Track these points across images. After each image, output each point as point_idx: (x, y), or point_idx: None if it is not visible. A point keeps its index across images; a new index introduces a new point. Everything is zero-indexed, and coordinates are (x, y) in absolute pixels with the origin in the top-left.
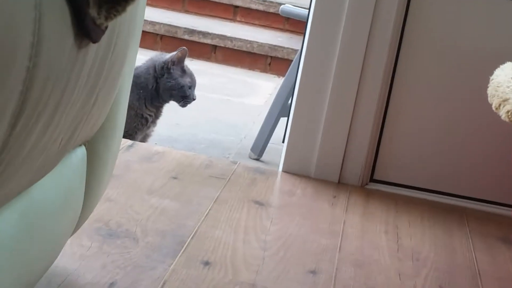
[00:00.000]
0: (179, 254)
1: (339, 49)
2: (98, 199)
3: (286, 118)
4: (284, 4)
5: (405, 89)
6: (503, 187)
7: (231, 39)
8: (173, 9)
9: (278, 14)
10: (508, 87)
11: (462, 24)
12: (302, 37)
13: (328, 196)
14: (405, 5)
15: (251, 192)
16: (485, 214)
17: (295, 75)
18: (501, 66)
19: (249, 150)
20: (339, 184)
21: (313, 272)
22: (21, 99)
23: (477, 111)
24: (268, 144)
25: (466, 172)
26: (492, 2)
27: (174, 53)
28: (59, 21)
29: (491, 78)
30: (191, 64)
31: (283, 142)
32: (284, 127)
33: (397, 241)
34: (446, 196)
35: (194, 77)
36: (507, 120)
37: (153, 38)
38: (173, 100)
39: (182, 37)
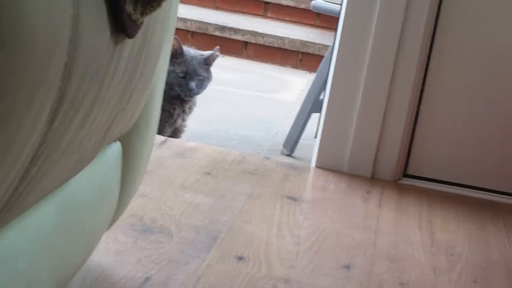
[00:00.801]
0: (213, 249)
1: (371, 44)
2: (133, 194)
3: (317, 114)
4: None
5: (439, 83)
6: None
7: (262, 35)
8: (204, 6)
9: (309, 10)
10: None
11: (497, 18)
12: (333, 33)
13: (361, 191)
14: (438, 0)
15: (284, 187)
16: None
17: (326, 71)
18: None
19: (281, 146)
20: (372, 179)
21: (347, 266)
22: (59, 94)
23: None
24: (300, 140)
25: (501, 166)
26: None
27: None
28: (96, 16)
29: None
30: (222, 60)
31: (315, 137)
32: (316, 123)
33: (431, 236)
34: (480, 191)
35: (195, 67)
36: None
37: (184, 35)
38: (177, 92)
39: (213, 33)
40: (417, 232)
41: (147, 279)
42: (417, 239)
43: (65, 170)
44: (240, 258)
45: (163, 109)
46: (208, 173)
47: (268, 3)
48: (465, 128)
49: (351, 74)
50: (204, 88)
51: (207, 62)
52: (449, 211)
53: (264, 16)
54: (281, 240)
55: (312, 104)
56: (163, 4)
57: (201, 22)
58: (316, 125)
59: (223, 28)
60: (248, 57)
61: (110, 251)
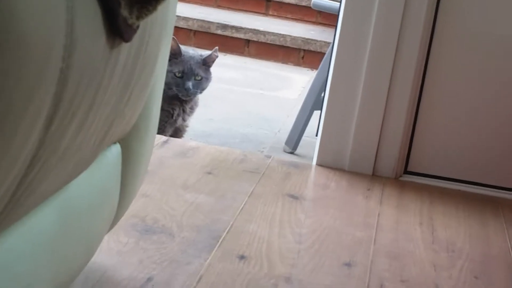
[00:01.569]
0: (215, 249)
1: (370, 41)
2: (133, 196)
3: (319, 111)
4: None
5: (438, 80)
6: None
7: (264, 33)
8: (206, 4)
9: (310, 7)
10: None
11: (495, 13)
12: (334, 30)
13: (362, 189)
14: None
15: (285, 186)
16: None
17: (327, 68)
18: None
19: (284, 144)
20: (373, 176)
21: (348, 264)
22: (55, 100)
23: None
24: (302, 138)
25: (501, 162)
26: None
27: None
28: (92, 22)
29: None
30: (224, 59)
31: (316, 135)
32: (318, 120)
33: (432, 232)
34: (481, 187)
35: (193, 67)
36: None
37: (186, 33)
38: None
39: (215, 32)
40: (418, 229)
41: (149, 279)
42: (418, 235)
43: (64, 174)
44: (242, 257)
45: (163, 109)
46: (209, 173)
47: (270, 1)
48: (465, 124)
49: (351, 72)
50: (203, 89)
51: (206, 63)
52: (450, 207)
53: (265, 14)
54: (282, 239)
55: (314, 102)
56: (159, 8)
57: (203, 20)
58: (317, 122)
59: (225, 26)
60: (250, 55)
61: (112, 252)
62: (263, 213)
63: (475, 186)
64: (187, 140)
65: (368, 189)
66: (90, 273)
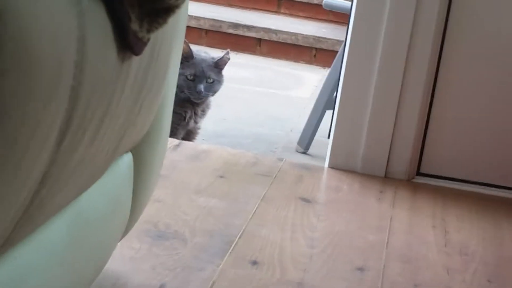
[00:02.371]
0: (227, 254)
1: (382, 41)
2: (145, 203)
3: (331, 111)
4: None
5: (451, 80)
6: None
7: (275, 31)
8: (217, 3)
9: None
10: None
11: (509, 11)
12: (346, 28)
13: (374, 191)
14: None
15: (297, 189)
16: None
17: (339, 67)
18: None
19: (296, 144)
20: (385, 178)
21: (361, 269)
22: (67, 116)
23: None
24: (315, 137)
25: None
26: None
27: None
28: (102, 37)
29: None
30: (236, 58)
31: (328, 137)
32: (330, 121)
33: (445, 235)
34: (494, 188)
35: (205, 70)
36: None
37: (198, 33)
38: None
39: (226, 31)
40: (431, 232)
41: (162, 286)
42: (431, 239)
43: (76, 187)
44: (254, 263)
45: (175, 112)
46: (221, 176)
47: None
48: (478, 125)
49: (363, 73)
50: (215, 91)
51: (218, 65)
52: (463, 209)
53: (277, 12)
54: (295, 243)
55: (326, 101)
56: (169, 20)
57: (214, 20)
58: (330, 123)
59: (236, 25)
60: (262, 54)
61: (124, 258)
62: (275, 217)
63: (489, 188)
64: (199, 143)
65: (381, 192)
66: (103, 280)
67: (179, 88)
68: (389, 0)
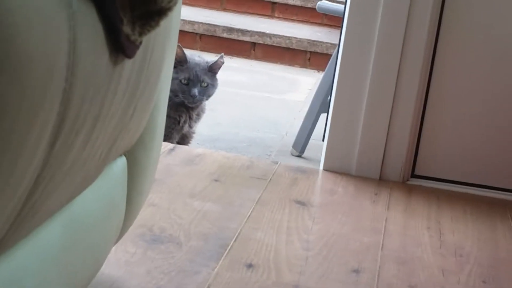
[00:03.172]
0: (223, 258)
1: (376, 44)
2: (140, 207)
3: (326, 114)
4: None
5: (444, 82)
6: None
7: (270, 35)
8: (211, 8)
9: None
10: None
11: (502, 10)
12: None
13: (369, 193)
14: None
15: (292, 192)
16: None
17: (334, 70)
18: None
19: (291, 147)
20: (380, 180)
21: (356, 271)
22: (59, 119)
23: None
24: (310, 141)
25: (509, 165)
26: None
27: None
28: (94, 40)
29: None
30: (230, 62)
31: (323, 140)
32: (324, 124)
33: (440, 237)
34: (488, 190)
35: (199, 74)
36: None
37: (192, 37)
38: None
39: (221, 35)
40: (426, 233)
41: None
42: (426, 240)
43: (70, 190)
44: (250, 266)
45: (169, 116)
46: (216, 180)
47: (275, 3)
48: (472, 127)
49: (357, 76)
50: (209, 96)
51: (212, 69)
52: (458, 210)
53: (271, 16)
54: (290, 246)
55: (321, 105)
56: (162, 23)
57: (208, 24)
58: (324, 126)
59: (231, 29)
60: (257, 58)
61: (120, 262)
62: (270, 220)
63: (483, 189)
64: (194, 147)
65: (376, 194)
66: (98, 284)
67: (173, 92)
68: (382, 4)
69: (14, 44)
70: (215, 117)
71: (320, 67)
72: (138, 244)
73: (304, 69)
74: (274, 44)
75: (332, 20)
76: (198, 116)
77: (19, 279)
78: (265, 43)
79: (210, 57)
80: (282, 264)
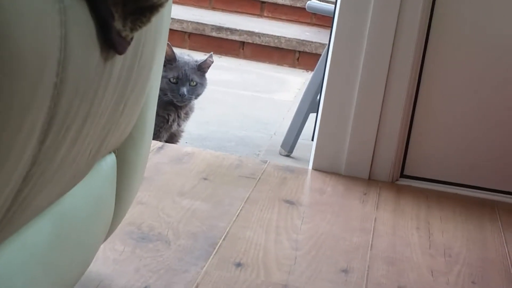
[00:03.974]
0: (211, 256)
1: (366, 44)
2: (129, 205)
3: (315, 114)
4: None
5: (434, 83)
6: None
7: (259, 35)
8: (200, 6)
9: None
10: None
11: (492, 13)
12: (329, 31)
13: (358, 193)
14: None
15: (281, 191)
16: None
17: (323, 70)
18: None
19: (279, 147)
20: (369, 180)
21: (345, 271)
22: (49, 114)
23: (509, 103)
24: (298, 140)
25: (498, 165)
26: None
27: None
28: (85, 35)
29: None
30: (219, 61)
31: (312, 140)
32: (314, 124)
33: (429, 237)
34: (477, 190)
35: (188, 73)
36: None
37: (181, 36)
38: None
39: (210, 34)
40: (415, 234)
41: None
42: (415, 240)
43: (59, 187)
44: (238, 265)
45: (158, 115)
46: (205, 179)
47: (264, 2)
48: (461, 127)
49: (346, 75)
50: (198, 95)
51: (201, 68)
52: (447, 211)
53: (260, 15)
54: (279, 245)
55: (309, 104)
56: (153, 19)
57: (197, 23)
58: (313, 125)
59: (219, 28)
60: (246, 57)
61: (108, 260)
62: (259, 219)
63: (472, 190)
64: (183, 146)
65: (365, 194)
66: (87, 282)
67: (162, 91)
68: (372, 3)
69: (6, 38)
70: (203, 116)
71: (309, 66)
72: (127, 242)
73: (293, 68)
74: (263, 44)
75: (321, 20)
76: (187, 115)
77: (8, 276)
78: (254, 42)
79: (199, 56)
80: (271, 264)
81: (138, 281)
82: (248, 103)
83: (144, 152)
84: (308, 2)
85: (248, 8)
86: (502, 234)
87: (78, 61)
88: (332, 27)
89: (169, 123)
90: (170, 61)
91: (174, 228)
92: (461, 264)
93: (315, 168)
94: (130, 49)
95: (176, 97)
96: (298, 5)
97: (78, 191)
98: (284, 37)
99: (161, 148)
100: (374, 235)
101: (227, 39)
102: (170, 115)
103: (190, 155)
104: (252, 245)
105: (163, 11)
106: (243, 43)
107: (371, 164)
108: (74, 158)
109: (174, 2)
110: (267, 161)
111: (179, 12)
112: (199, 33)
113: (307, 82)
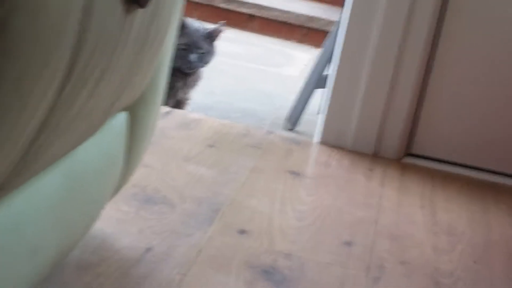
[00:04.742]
0: (215, 222)
1: (379, 19)
2: (138, 164)
3: (320, 89)
4: None
5: (447, 61)
6: None
7: (267, 8)
8: None
9: None
10: None
11: None
12: (338, 8)
13: (364, 169)
14: None
15: (287, 162)
16: None
17: (332, 47)
18: None
19: (284, 121)
20: (375, 157)
21: (349, 243)
22: (70, 63)
23: None
24: (303, 115)
25: (505, 148)
26: None
27: None
28: None
29: None
30: (227, 33)
31: (317, 113)
32: (319, 99)
33: (433, 215)
34: (483, 172)
35: (197, 40)
36: None
37: (189, 6)
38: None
39: (218, 5)
40: (419, 212)
41: (148, 249)
42: (419, 218)
43: (73, 139)
44: (242, 232)
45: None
46: (211, 146)
47: None
48: (471, 109)
49: (358, 50)
50: (206, 62)
51: (211, 36)
52: (452, 191)
53: None
54: (283, 215)
55: (317, 80)
56: None
57: None
58: (318, 101)
59: (229, 0)
60: (253, 30)
61: (112, 220)
62: (264, 189)
63: (478, 172)
64: (190, 112)
65: (370, 170)
66: (90, 239)
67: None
68: None
69: None
70: (209, 86)
71: (316, 43)
72: (131, 203)
73: (300, 44)
74: (271, 18)
75: None
76: (194, 82)
77: (18, 225)
78: (263, 16)
79: (209, 25)
80: (275, 233)
81: (142, 242)
82: (254, 76)
83: (155, 112)
84: None
85: None
86: (507, 216)
87: (101, 10)
88: (344, 3)
89: (176, 90)
90: (180, 27)
91: (179, 192)
92: (464, 243)
93: (321, 141)
94: (150, 5)
95: (185, 64)
96: None
97: (90, 145)
98: (293, 12)
99: (168, 113)
100: (379, 211)
101: (235, 11)
102: (177, 82)
103: (197, 122)
104: (256, 213)
105: None
106: (251, 16)
107: (378, 141)
108: (90, 111)
109: None
110: (273, 131)
111: None
112: (207, 3)
113: (314, 59)
